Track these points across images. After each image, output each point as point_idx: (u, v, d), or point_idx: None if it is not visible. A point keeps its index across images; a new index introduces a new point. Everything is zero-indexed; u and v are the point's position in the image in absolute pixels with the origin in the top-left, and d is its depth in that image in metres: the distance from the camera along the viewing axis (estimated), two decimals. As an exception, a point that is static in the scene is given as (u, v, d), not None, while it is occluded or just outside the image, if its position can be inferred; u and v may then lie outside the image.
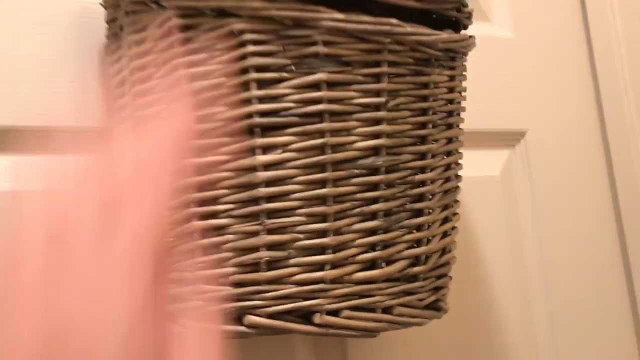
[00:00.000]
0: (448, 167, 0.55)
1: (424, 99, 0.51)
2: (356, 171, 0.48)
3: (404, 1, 0.48)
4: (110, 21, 0.56)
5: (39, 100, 0.58)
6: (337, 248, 0.47)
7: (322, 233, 0.47)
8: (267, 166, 0.46)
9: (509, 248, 0.78)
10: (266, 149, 0.47)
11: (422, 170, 0.51)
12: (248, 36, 0.46)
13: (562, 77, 0.87)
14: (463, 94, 0.57)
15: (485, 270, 0.76)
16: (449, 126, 0.55)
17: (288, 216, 0.47)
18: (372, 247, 0.49)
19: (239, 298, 0.46)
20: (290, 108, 0.47)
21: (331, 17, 0.46)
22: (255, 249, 0.46)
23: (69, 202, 0.29)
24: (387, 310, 0.49)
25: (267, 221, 0.46)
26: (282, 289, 0.46)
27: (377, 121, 0.48)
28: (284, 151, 0.47)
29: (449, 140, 0.55)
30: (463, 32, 0.56)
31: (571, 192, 0.84)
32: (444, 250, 0.55)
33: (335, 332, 0.47)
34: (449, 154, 0.55)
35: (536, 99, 0.84)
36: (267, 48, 0.46)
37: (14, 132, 0.57)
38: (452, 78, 0.54)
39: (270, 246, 0.46)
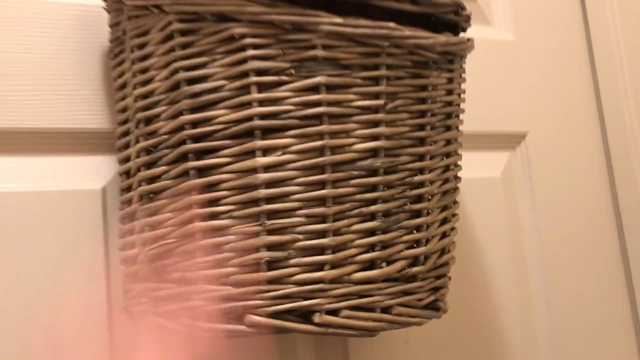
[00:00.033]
0: (447, 168, 0.55)
1: (423, 101, 0.52)
2: (355, 173, 0.49)
3: (402, 5, 0.49)
4: (114, 25, 0.56)
5: (43, 102, 0.59)
6: (336, 248, 0.48)
7: (322, 234, 0.48)
8: (267, 168, 0.47)
9: (510, 249, 0.78)
10: (266, 151, 0.47)
11: (421, 171, 0.52)
12: (248, 40, 0.47)
13: (563, 79, 0.87)
14: (462, 96, 0.58)
15: (486, 270, 0.76)
16: (448, 128, 0.55)
17: (288, 217, 0.47)
18: (371, 247, 0.49)
19: (240, 298, 0.47)
20: (290, 111, 0.47)
21: (330, 22, 0.47)
22: (255, 249, 0.47)
23: None
24: (386, 310, 0.50)
25: (267, 222, 0.47)
26: (282, 289, 0.47)
27: (375, 123, 0.49)
28: (284, 153, 0.47)
29: (448, 142, 0.55)
30: (462, 34, 0.56)
31: (571, 193, 0.84)
32: (443, 251, 0.55)
33: (335, 331, 0.48)
34: (447, 155, 0.56)
35: (537, 102, 0.84)
36: (267, 52, 0.47)
37: (18, 133, 0.58)
38: (450, 80, 0.55)
39: (271, 246, 0.47)
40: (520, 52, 0.85)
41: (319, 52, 0.47)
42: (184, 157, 0.49)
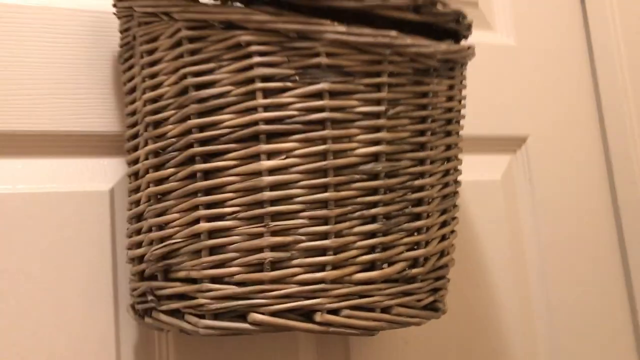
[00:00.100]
0: (447, 172, 0.56)
1: (423, 107, 0.53)
2: (357, 176, 0.50)
3: (404, 14, 0.50)
4: (124, 31, 0.57)
5: (54, 106, 0.60)
6: (338, 250, 0.49)
7: (324, 235, 0.49)
8: (272, 171, 0.48)
9: (510, 250, 0.79)
10: (271, 155, 0.48)
11: (421, 175, 0.53)
12: (254, 48, 0.48)
13: (563, 83, 0.88)
14: (462, 102, 0.58)
15: (486, 272, 0.77)
16: (448, 133, 0.56)
17: (291, 219, 0.48)
18: (371, 249, 0.50)
19: (244, 297, 0.48)
20: (294, 116, 0.48)
21: (334, 30, 0.48)
22: (259, 249, 0.48)
23: None
24: (385, 310, 0.51)
25: (271, 223, 0.48)
26: (284, 289, 0.48)
27: (377, 129, 0.50)
28: (288, 157, 0.48)
29: (448, 147, 0.56)
30: (464, 42, 0.57)
31: (571, 196, 0.85)
32: (442, 253, 0.56)
33: (336, 330, 0.49)
34: (447, 160, 0.56)
35: (537, 105, 0.85)
36: (273, 59, 0.48)
37: (29, 136, 0.59)
38: (451, 87, 0.56)
39: (274, 247, 0.48)
40: (521, 57, 0.85)
41: (323, 60, 0.48)
42: (191, 160, 0.50)
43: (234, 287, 0.48)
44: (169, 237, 0.51)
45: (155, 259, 0.51)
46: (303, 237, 0.48)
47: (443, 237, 0.56)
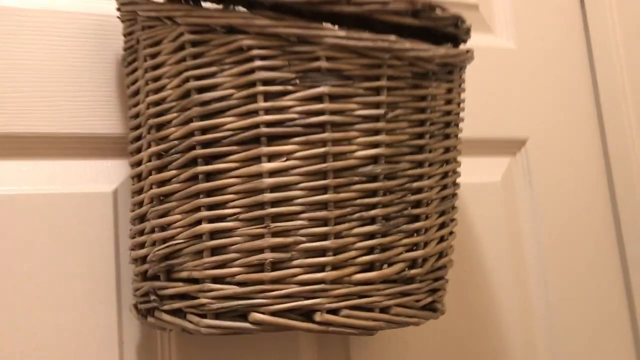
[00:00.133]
0: (445, 175, 0.57)
1: (422, 110, 0.53)
2: (356, 178, 0.50)
3: (403, 19, 0.51)
4: (128, 34, 0.58)
5: (58, 108, 0.60)
6: (337, 250, 0.50)
7: (324, 236, 0.49)
8: (272, 173, 0.49)
9: (510, 252, 0.79)
10: (271, 157, 0.49)
11: (420, 177, 0.53)
12: (256, 52, 0.49)
13: (563, 86, 0.88)
14: (461, 105, 0.59)
15: (486, 273, 0.77)
16: (447, 136, 0.57)
17: (291, 220, 0.49)
18: (370, 250, 0.51)
19: (245, 296, 0.49)
20: (294, 119, 0.49)
21: (333, 34, 0.49)
22: (260, 250, 0.49)
23: None
24: (384, 310, 0.51)
25: (271, 224, 0.49)
26: (285, 289, 0.48)
27: (376, 132, 0.51)
28: (289, 159, 0.49)
29: (447, 150, 0.57)
30: (462, 45, 0.58)
31: (570, 198, 0.85)
32: (440, 254, 0.56)
33: (335, 330, 0.49)
34: (446, 162, 0.57)
35: (537, 108, 0.85)
36: (274, 63, 0.49)
37: (33, 138, 0.60)
38: (449, 90, 0.56)
39: (275, 248, 0.49)
40: (521, 60, 0.86)
41: (323, 64, 0.49)
42: (193, 162, 0.50)
43: (235, 287, 0.49)
44: (172, 237, 0.51)
45: (158, 260, 0.52)
46: (303, 238, 0.49)
47: (442, 239, 0.57)
